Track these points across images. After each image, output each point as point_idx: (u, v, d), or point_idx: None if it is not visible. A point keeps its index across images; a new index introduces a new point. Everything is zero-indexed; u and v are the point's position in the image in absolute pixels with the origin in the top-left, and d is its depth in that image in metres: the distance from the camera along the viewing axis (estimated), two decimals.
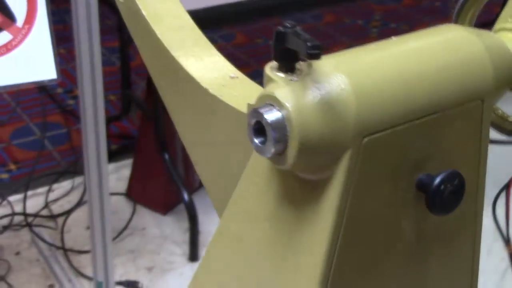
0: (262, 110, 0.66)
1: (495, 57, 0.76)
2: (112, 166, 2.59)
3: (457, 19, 0.87)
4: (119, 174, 2.63)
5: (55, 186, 2.55)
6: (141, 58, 0.91)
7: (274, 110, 0.66)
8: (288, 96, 0.66)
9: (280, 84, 0.67)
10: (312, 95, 0.66)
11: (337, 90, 0.66)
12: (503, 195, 2.11)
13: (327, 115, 0.66)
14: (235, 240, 0.79)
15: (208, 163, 0.87)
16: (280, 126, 0.66)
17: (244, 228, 0.77)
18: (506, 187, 2.12)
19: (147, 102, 2.47)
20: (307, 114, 0.65)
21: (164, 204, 2.49)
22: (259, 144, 0.68)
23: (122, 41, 2.67)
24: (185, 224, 2.36)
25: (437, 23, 0.78)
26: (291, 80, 0.67)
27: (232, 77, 0.83)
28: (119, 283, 2.15)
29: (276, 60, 0.69)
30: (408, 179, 0.72)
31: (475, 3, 0.86)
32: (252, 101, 0.70)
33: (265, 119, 0.66)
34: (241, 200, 0.77)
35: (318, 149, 0.66)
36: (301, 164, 0.67)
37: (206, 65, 0.84)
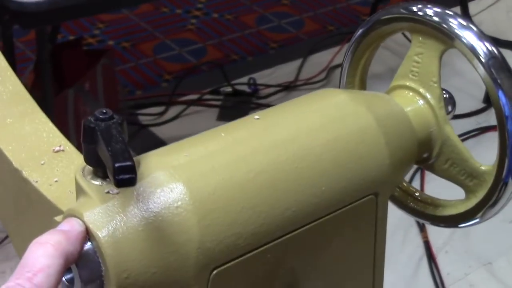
0: None
1: (391, 131, 0.57)
2: None
3: (348, 69, 0.66)
4: None
5: None
6: None
7: None
8: (100, 220, 0.46)
9: (91, 200, 0.47)
10: (137, 218, 0.46)
11: (172, 209, 0.47)
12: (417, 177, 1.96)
13: (159, 246, 0.46)
14: None
15: None
16: (90, 261, 0.46)
17: None
18: (420, 169, 1.97)
19: (34, 89, 2.22)
20: (129, 246, 0.46)
21: None
22: (66, 283, 0.48)
23: None
24: None
25: None
26: (109, 192, 0.48)
27: (55, 151, 0.62)
28: None
29: (87, 162, 0.49)
30: None
31: (372, 44, 0.65)
32: (58, 215, 0.50)
33: None
34: None
35: None
36: None
37: (24, 133, 0.63)
